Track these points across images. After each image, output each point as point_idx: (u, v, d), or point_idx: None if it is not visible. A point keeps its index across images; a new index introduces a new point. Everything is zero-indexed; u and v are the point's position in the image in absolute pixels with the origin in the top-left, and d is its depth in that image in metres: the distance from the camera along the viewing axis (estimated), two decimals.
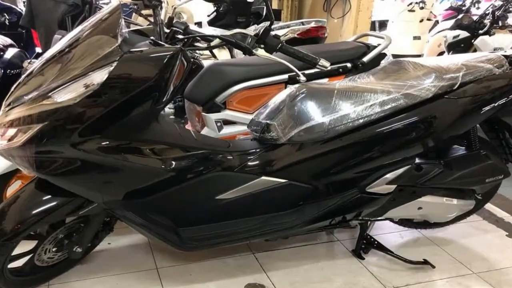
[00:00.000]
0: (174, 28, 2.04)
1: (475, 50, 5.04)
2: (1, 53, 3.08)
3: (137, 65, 1.58)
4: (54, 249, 1.88)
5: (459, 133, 2.00)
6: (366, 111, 1.82)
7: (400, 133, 1.86)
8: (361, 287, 2.05)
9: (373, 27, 7.09)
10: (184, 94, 2.48)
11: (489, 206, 2.69)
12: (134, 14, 3.67)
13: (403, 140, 1.88)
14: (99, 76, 1.50)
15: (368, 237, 2.24)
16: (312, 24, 3.89)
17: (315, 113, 1.81)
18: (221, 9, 4.40)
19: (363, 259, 2.23)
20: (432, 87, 1.86)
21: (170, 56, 1.58)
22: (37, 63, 1.66)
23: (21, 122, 1.52)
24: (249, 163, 1.82)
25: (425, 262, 2.17)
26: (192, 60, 1.74)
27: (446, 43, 5.33)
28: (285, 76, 2.40)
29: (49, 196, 1.68)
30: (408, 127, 1.86)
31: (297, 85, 1.93)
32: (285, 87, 2.37)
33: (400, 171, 1.94)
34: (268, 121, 1.85)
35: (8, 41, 3.35)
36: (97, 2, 3.55)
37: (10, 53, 3.12)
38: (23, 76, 1.66)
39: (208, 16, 4.49)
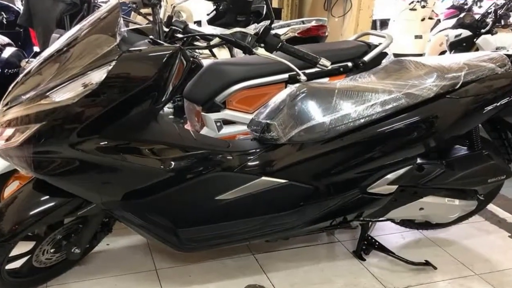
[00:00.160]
0: (173, 27, 2.04)
1: (477, 49, 5.04)
2: None
3: (136, 64, 1.58)
4: (52, 250, 1.88)
5: (461, 133, 2.00)
6: (367, 110, 1.82)
7: (401, 133, 1.86)
8: None
9: (374, 26, 7.09)
10: (183, 93, 2.48)
11: (491, 207, 2.69)
12: (133, 12, 3.67)
13: (405, 140, 1.88)
14: (98, 76, 1.50)
15: (369, 238, 2.24)
16: (313, 23, 3.89)
17: (316, 113, 1.81)
18: (220, 7, 4.40)
19: (364, 260, 2.23)
20: (433, 86, 1.86)
21: (169, 55, 1.58)
22: (35, 62, 1.67)
23: (19, 122, 1.52)
24: (249, 163, 1.82)
25: (427, 263, 2.17)
26: (191, 59, 1.74)
27: (448, 42, 5.33)
28: (286, 75, 2.40)
29: (47, 197, 1.68)
30: (409, 127, 1.86)
31: (297, 85, 1.93)
32: (286, 87, 2.36)
33: (401, 171, 1.94)
34: (268, 121, 1.85)
35: (6, 40, 3.35)
36: (96, 1, 3.56)
37: (7, 52, 3.12)
38: (20, 76, 1.67)
39: (208, 15, 4.49)
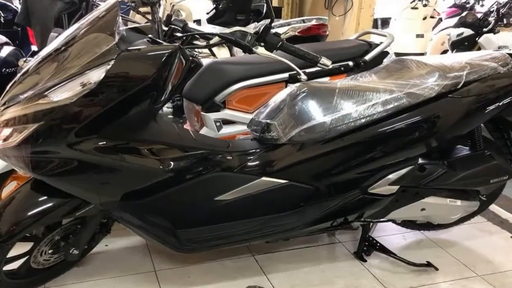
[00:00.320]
0: (173, 26, 2.04)
1: (479, 48, 5.03)
2: None
3: (134, 63, 1.58)
4: (50, 251, 1.88)
5: (463, 133, 2.01)
6: (368, 110, 1.82)
7: (402, 133, 1.86)
8: None
9: (375, 25, 7.08)
10: (182, 93, 2.47)
11: (493, 207, 2.69)
12: (131, 11, 3.67)
13: (406, 140, 1.88)
14: (96, 75, 1.50)
15: (370, 239, 2.24)
16: (313, 22, 3.88)
17: (316, 113, 1.81)
18: (220, 6, 4.39)
19: (365, 261, 2.23)
20: (435, 86, 1.86)
21: (169, 55, 1.58)
22: (32, 62, 1.67)
23: (17, 122, 1.53)
24: (249, 164, 1.82)
25: (429, 264, 2.17)
26: (190, 58, 1.74)
27: (450, 41, 5.32)
28: (286, 74, 2.40)
29: (45, 197, 1.69)
30: (411, 127, 1.86)
31: (297, 84, 1.93)
32: (286, 86, 2.36)
33: (403, 171, 1.94)
34: (268, 121, 1.85)
35: (3, 39, 3.35)
36: (94, 0, 3.55)
37: (5, 51, 3.12)
38: (18, 75, 1.67)
39: (207, 13, 4.48)
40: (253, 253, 2.25)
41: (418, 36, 6.68)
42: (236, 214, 1.86)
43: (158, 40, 1.80)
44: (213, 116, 2.37)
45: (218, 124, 2.38)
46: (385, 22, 7.45)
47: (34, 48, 4.21)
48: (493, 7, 5.11)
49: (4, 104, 1.59)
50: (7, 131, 1.55)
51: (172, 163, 1.70)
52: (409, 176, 1.96)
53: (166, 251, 2.03)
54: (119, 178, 1.66)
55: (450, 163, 2.06)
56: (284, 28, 3.77)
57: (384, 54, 2.67)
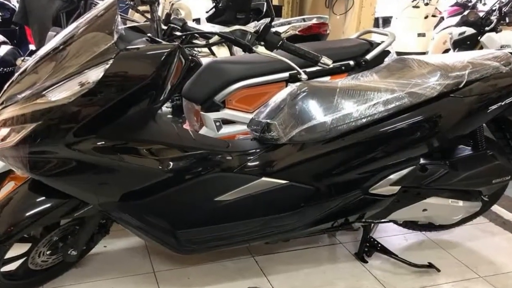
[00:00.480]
0: (172, 25, 2.04)
1: (481, 48, 5.03)
2: None
3: (133, 62, 1.58)
4: (48, 252, 1.88)
5: (465, 132, 2.01)
6: (369, 110, 1.82)
7: (404, 132, 1.86)
8: None
9: (376, 24, 7.08)
10: (182, 92, 2.47)
11: (496, 208, 2.68)
12: (130, 10, 3.66)
13: (408, 140, 1.88)
14: (95, 74, 1.50)
15: (372, 239, 2.24)
16: (314, 21, 3.88)
17: (317, 112, 1.82)
18: (220, 5, 4.40)
19: (366, 262, 2.23)
20: (437, 85, 1.86)
21: (168, 54, 1.58)
22: (30, 61, 1.67)
23: (14, 122, 1.53)
24: (249, 164, 1.82)
25: (430, 265, 2.17)
26: (190, 57, 1.74)
27: (452, 40, 5.32)
28: (286, 74, 2.40)
29: (43, 198, 1.69)
30: (412, 127, 1.86)
31: (298, 84, 1.93)
32: (286, 86, 2.36)
33: (404, 172, 1.94)
34: (268, 121, 1.85)
35: (1, 38, 3.35)
36: None
37: (2, 50, 3.12)
38: (16, 74, 1.67)
39: (207, 12, 4.49)
40: (253, 254, 2.25)
41: (419, 35, 6.68)
42: (236, 214, 1.86)
43: (157, 39, 1.80)
44: (212, 115, 2.37)
45: (217, 124, 2.38)
46: (386, 21, 7.45)
47: (32, 47, 4.20)
48: (496, 6, 5.11)
49: (2, 103, 1.59)
50: (4, 131, 1.55)
51: (171, 163, 1.70)
52: (410, 176, 1.96)
53: (165, 252, 2.03)
54: (118, 179, 1.66)
55: (452, 163, 2.06)
56: (284, 27, 3.77)
57: (385, 53, 2.67)
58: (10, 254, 1.78)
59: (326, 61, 1.71)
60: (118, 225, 1.86)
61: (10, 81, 1.65)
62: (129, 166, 1.64)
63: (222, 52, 3.17)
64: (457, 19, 5.59)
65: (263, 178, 1.83)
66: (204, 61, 2.32)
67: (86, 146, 1.55)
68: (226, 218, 1.86)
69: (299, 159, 1.85)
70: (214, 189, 1.81)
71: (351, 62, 2.57)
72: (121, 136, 1.61)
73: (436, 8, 6.87)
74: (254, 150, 1.86)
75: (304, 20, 3.91)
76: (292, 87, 1.93)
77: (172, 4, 2.21)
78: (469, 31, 5.13)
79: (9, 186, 2.19)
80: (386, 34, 2.72)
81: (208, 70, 2.36)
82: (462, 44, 5.18)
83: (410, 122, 1.85)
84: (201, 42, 2.14)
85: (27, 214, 1.67)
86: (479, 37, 5.07)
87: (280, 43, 1.70)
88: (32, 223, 1.68)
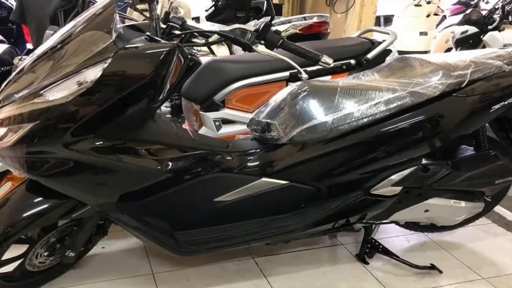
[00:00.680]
0: (171, 24, 2.04)
1: (484, 46, 5.04)
2: None
3: (132, 62, 1.58)
4: (46, 254, 1.88)
5: (467, 132, 2.01)
6: (371, 109, 1.82)
7: (406, 132, 1.86)
8: None
9: (377, 23, 7.09)
10: (181, 92, 2.48)
11: (498, 209, 2.68)
12: (129, 8, 3.67)
13: (409, 140, 1.88)
14: (93, 73, 1.50)
15: (373, 241, 2.24)
16: (315, 19, 3.89)
17: (318, 112, 1.82)
18: (219, 3, 4.40)
19: (368, 263, 2.23)
20: (439, 84, 1.86)
21: (167, 53, 1.58)
22: (28, 60, 1.67)
23: (12, 121, 1.53)
24: (249, 164, 1.82)
25: (432, 267, 2.17)
26: (189, 56, 1.74)
27: (454, 39, 5.33)
28: (286, 73, 2.40)
29: (41, 198, 1.69)
30: (414, 127, 1.86)
31: (298, 83, 1.93)
32: (286, 85, 2.37)
33: (406, 172, 1.94)
34: (268, 120, 1.85)
35: None
36: None
37: None
38: (13, 73, 1.67)
39: (206, 11, 4.49)
40: (253, 256, 2.25)
41: (421, 33, 6.69)
42: (235, 215, 1.87)
43: (156, 38, 1.80)
44: (212, 115, 2.37)
45: (217, 123, 2.39)
46: (388, 20, 7.46)
47: (29, 46, 4.21)
48: (498, 4, 5.12)
49: None
50: (1, 131, 1.55)
51: (170, 163, 1.70)
52: (412, 176, 1.96)
53: (164, 253, 2.04)
54: (116, 179, 1.66)
55: (454, 163, 2.06)
56: (284, 25, 3.78)
57: (386, 52, 2.67)
58: (7, 255, 1.77)
59: (327, 60, 1.71)
60: (116, 226, 1.86)
61: (7, 80, 1.65)
62: (128, 166, 1.64)
63: (221, 51, 3.17)
64: (459, 17, 5.60)
65: (263, 179, 1.83)
66: (204, 60, 2.32)
67: (84, 146, 1.55)
68: (226, 219, 1.86)
69: (300, 159, 1.85)
70: (214, 190, 1.81)
71: (352, 61, 2.58)
72: (119, 136, 1.61)
73: (438, 7, 6.87)
74: (254, 150, 1.86)
75: (304, 18, 3.92)
76: (292, 86, 1.93)
77: (171, 3, 2.21)
78: (472, 29, 5.14)
79: (6, 187, 2.19)
80: (387, 33, 2.72)
81: (207, 69, 2.36)
82: (464, 43, 5.19)
83: (411, 122, 1.85)
84: (201, 41, 2.14)
85: (25, 215, 1.67)
86: (481, 36, 5.08)
87: (280, 42, 1.70)
88: (30, 224, 1.67)
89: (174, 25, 2.03)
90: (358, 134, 1.83)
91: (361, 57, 2.59)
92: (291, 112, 1.83)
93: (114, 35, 1.54)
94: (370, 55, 2.59)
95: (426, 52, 6.41)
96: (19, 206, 1.70)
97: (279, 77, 2.41)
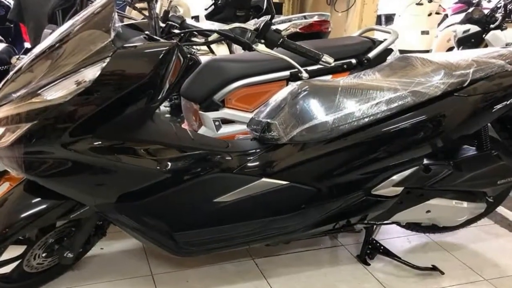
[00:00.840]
0: (170, 23, 2.04)
1: (486, 46, 5.04)
2: None
3: (131, 61, 1.58)
4: (44, 255, 1.88)
5: (469, 132, 2.01)
6: (372, 109, 1.82)
7: (407, 132, 1.86)
8: None
9: (379, 21, 7.09)
10: (180, 91, 2.48)
11: (501, 209, 2.68)
12: (127, 7, 3.67)
13: (411, 140, 1.88)
14: (91, 73, 1.50)
15: (374, 241, 2.24)
16: (315, 18, 3.89)
17: (318, 112, 1.82)
18: (219, 2, 4.40)
19: (369, 265, 2.23)
20: (441, 84, 1.86)
21: (166, 52, 1.58)
22: (26, 59, 1.67)
23: (9, 121, 1.52)
24: (249, 164, 1.82)
25: (434, 268, 2.17)
26: (189, 56, 1.74)
27: (456, 38, 5.33)
28: (287, 72, 2.40)
29: (39, 199, 1.68)
30: (415, 127, 1.86)
31: (299, 82, 1.93)
32: (287, 84, 2.36)
33: (407, 172, 1.94)
34: (268, 120, 1.85)
35: None
36: None
37: None
38: (11, 73, 1.67)
39: (206, 9, 4.49)
40: (253, 257, 2.25)
41: (423, 32, 6.69)
42: (235, 216, 1.86)
43: (155, 37, 1.80)
44: (211, 115, 2.37)
45: (217, 123, 2.39)
46: (389, 19, 7.45)
47: (27, 45, 4.21)
48: (501, 3, 5.11)
49: None
50: None
51: (169, 163, 1.70)
52: (413, 177, 1.96)
53: (163, 254, 2.03)
54: (115, 179, 1.66)
55: (456, 163, 2.06)
56: (285, 24, 3.77)
57: (388, 51, 2.67)
58: (4, 256, 1.77)
59: (328, 59, 1.71)
60: (115, 227, 1.86)
61: (5, 79, 1.64)
62: (127, 166, 1.63)
63: (221, 50, 3.18)
64: (461, 16, 5.60)
65: (263, 179, 1.83)
66: (203, 59, 2.32)
67: (83, 146, 1.55)
68: (226, 220, 1.86)
69: (300, 159, 1.85)
70: (213, 190, 1.81)
71: (353, 61, 2.58)
72: (118, 136, 1.61)
73: (440, 5, 6.87)
74: (254, 150, 1.86)
75: (305, 17, 3.92)
76: (293, 86, 1.93)
77: (170, 1, 2.21)
78: (474, 28, 5.13)
79: (4, 187, 2.19)
80: (388, 32, 2.72)
81: (207, 69, 2.36)
82: (466, 42, 5.18)
83: (413, 122, 1.85)
84: (200, 40, 2.13)
85: (22, 215, 1.66)
86: (483, 35, 5.08)
87: (280, 41, 1.70)
88: (27, 225, 1.67)
89: (173, 24, 2.03)
90: (359, 134, 1.83)
91: (362, 56, 2.59)
92: (291, 111, 1.83)
93: (112, 34, 1.54)
94: (371, 54, 2.59)
95: (427, 51, 6.41)
96: (17, 207, 1.70)
97: (279, 77, 2.41)
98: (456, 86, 1.88)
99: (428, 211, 2.12)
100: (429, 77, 1.88)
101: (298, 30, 3.77)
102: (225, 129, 2.40)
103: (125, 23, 2.28)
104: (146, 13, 2.17)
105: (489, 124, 2.11)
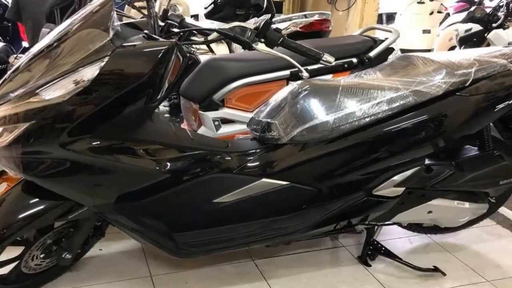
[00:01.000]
0: (169, 21, 2.04)
1: (488, 45, 5.04)
2: None
3: (130, 60, 1.58)
4: (42, 256, 1.88)
5: (471, 132, 2.00)
6: (373, 109, 1.82)
7: (408, 132, 1.86)
8: None
9: (380, 20, 7.09)
10: (179, 91, 2.48)
11: (503, 210, 2.69)
12: (126, 6, 3.67)
13: (412, 140, 1.88)
14: (90, 72, 1.50)
15: (375, 242, 2.24)
16: (316, 17, 3.90)
17: (319, 111, 1.82)
18: (219, 1, 4.41)
19: (370, 266, 2.23)
20: (442, 83, 1.86)
21: (165, 51, 1.58)
22: (23, 59, 1.67)
23: (7, 121, 1.53)
24: (249, 164, 1.82)
25: (435, 269, 2.17)
26: (188, 55, 1.74)
27: (458, 37, 5.33)
28: (287, 72, 2.40)
29: (37, 199, 1.68)
30: (417, 126, 1.86)
31: (299, 82, 1.93)
32: (287, 84, 2.37)
33: (408, 172, 1.94)
34: (268, 120, 1.85)
35: None
36: None
37: None
38: (8, 72, 1.67)
39: (205, 8, 4.49)
40: (253, 258, 2.25)
41: (424, 31, 6.69)
42: (235, 216, 1.86)
43: (154, 36, 1.80)
44: (211, 115, 2.37)
45: (216, 123, 2.39)
46: (390, 17, 7.45)
47: (25, 44, 4.21)
48: (503, 2, 5.11)
49: None
50: None
51: (168, 164, 1.70)
52: (415, 177, 1.96)
53: (162, 255, 2.04)
54: (114, 180, 1.66)
55: (457, 164, 2.06)
56: (285, 23, 3.78)
57: (389, 50, 2.68)
58: (2, 257, 1.78)
59: (328, 58, 1.71)
60: (113, 227, 1.86)
61: (3, 79, 1.65)
62: (125, 166, 1.63)
63: (221, 49, 3.18)
64: (463, 15, 5.60)
65: (263, 179, 1.83)
66: (203, 58, 2.33)
67: (81, 146, 1.55)
68: (225, 220, 1.86)
69: (301, 159, 1.85)
70: (213, 191, 1.81)
71: (354, 60, 2.58)
72: (117, 136, 1.61)
73: (441, 4, 6.87)
74: (254, 150, 1.86)
75: (305, 16, 3.92)
76: (293, 85, 1.93)
77: (170, 0, 2.21)
78: (476, 27, 5.13)
79: (1, 187, 2.19)
80: (390, 31, 2.73)
81: (206, 68, 2.37)
82: (468, 41, 5.18)
83: (414, 122, 1.85)
84: (200, 39, 2.14)
85: (20, 216, 1.66)
86: (486, 34, 5.08)
87: (280, 40, 1.70)
88: (25, 226, 1.67)
89: (173, 23, 2.03)
90: (360, 134, 1.83)
91: (363, 55, 2.59)
92: (291, 111, 1.83)
93: (111, 33, 1.54)
94: (372, 54, 2.59)
95: (429, 50, 6.41)
96: (15, 207, 1.70)
97: (279, 76, 2.41)
98: (458, 85, 1.88)
99: (429, 212, 2.12)
100: (430, 76, 1.88)
101: (298, 29, 3.77)
102: (225, 129, 2.40)
103: (124, 22, 2.28)
104: (145, 12, 2.17)
105: (491, 123, 2.11)
